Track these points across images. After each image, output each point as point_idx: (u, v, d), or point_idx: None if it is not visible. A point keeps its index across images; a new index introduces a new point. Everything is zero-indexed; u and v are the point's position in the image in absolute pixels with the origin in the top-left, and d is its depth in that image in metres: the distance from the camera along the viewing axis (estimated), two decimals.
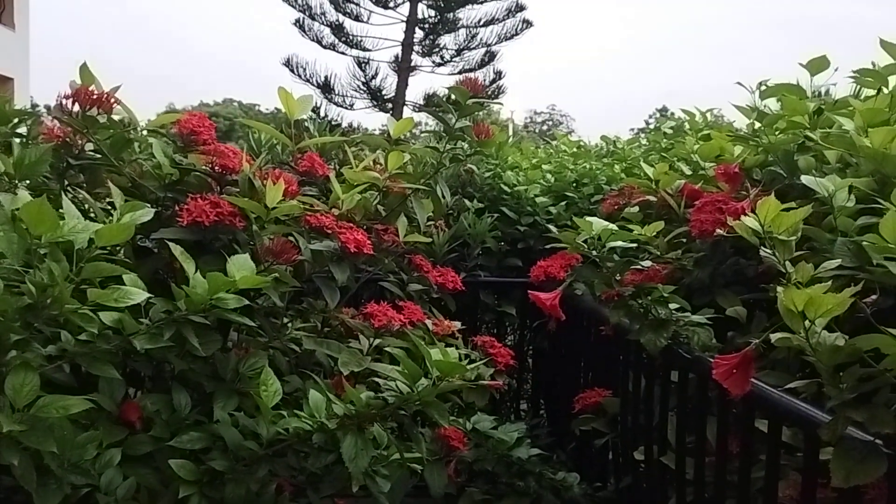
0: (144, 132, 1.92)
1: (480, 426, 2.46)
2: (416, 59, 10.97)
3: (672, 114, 4.00)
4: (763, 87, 1.98)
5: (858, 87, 2.10)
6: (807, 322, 1.02)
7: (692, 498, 1.71)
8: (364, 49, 10.99)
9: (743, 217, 1.22)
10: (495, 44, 10.94)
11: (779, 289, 1.05)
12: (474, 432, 2.42)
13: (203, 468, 1.53)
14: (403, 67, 10.81)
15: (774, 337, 1.08)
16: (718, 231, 1.46)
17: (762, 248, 1.20)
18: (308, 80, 10.66)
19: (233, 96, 46.65)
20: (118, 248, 1.66)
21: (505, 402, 3.24)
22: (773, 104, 2.17)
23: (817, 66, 1.96)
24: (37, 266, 1.21)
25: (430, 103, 10.69)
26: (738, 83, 1.99)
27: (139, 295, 1.33)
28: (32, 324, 1.24)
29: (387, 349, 1.71)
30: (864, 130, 1.59)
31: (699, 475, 1.66)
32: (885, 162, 1.46)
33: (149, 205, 1.54)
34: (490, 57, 11.03)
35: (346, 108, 11.07)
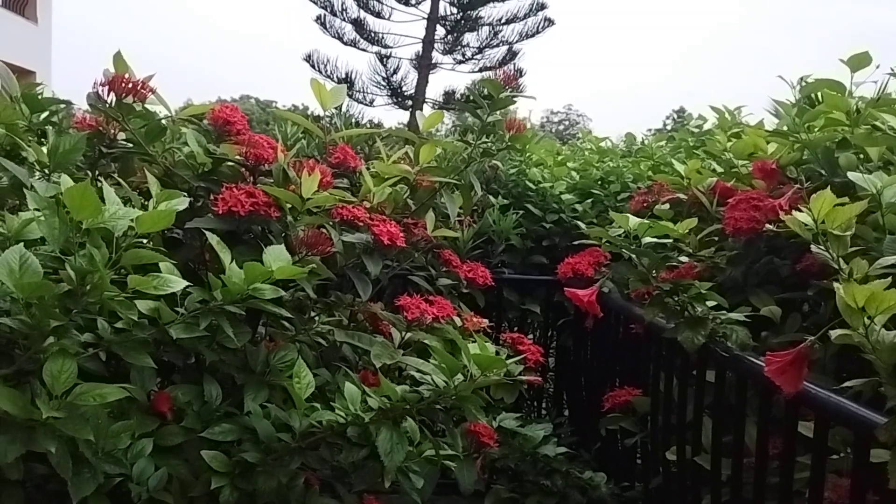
0: (174, 122, 1.91)
1: (506, 424, 2.44)
2: (436, 56, 10.94)
3: (690, 115, 3.95)
4: (804, 83, 1.94)
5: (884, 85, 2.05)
6: (866, 319, 1.00)
7: (727, 499, 1.68)
8: (385, 46, 10.99)
9: (795, 212, 1.19)
10: (516, 42, 10.90)
11: (836, 285, 1.03)
12: (500, 430, 2.40)
13: (234, 460, 1.52)
14: (424, 65, 10.79)
15: (834, 334, 1.05)
16: (768, 226, 1.43)
17: (814, 243, 1.17)
18: (329, 77, 10.68)
19: (250, 93, 46.84)
20: (149, 239, 1.65)
21: (526, 401, 3.22)
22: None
23: (858, 62, 1.92)
24: (76, 252, 1.20)
25: (450, 101, 10.67)
26: (780, 77, 1.96)
27: (178, 283, 1.32)
28: (71, 310, 1.23)
29: (423, 341, 1.69)
30: None
31: (736, 476, 1.62)
32: None
33: (184, 194, 1.53)
34: (511, 55, 11.00)
35: (366, 104, 11.09)
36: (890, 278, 1.03)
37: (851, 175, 1.48)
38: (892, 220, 1.44)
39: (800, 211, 1.18)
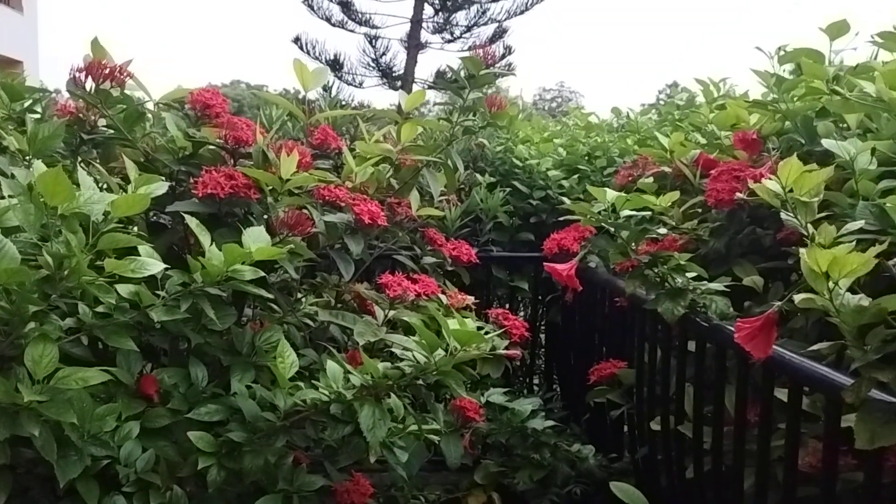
0: (156, 107, 1.91)
1: (494, 399, 2.47)
2: (425, 35, 10.85)
3: (682, 88, 3.95)
4: (782, 53, 1.94)
5: (874, 54, 2.05)
6: (830, 283, 1.01)
7: (710, 467, 1.71)
8: (373, 26, 10.90)
9: (764, 180, 1.20)
10: (505, 19, 10.81)
11: (801, 250, 1.04)
12: (488, 405, 2.43)
13: (221, 440, 1.53)
14: (413, 44, 10.71)
15: (798, 298, 1.07)
16: (739, 195, 1.44)
17: (783, 210, 1.19)
18: (317, 59, 10.58)
19: (240, 78, 46.58)
20: (132, 223, 1.66)
21: (518, 376, 3.25)
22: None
23: (837, 30, 1.91)
24: (53, 238, 1.21)
25: (440, 80, 10.61)
26: (758, 48, 1.96)
27: (156, 266, 1.33)
28: (50, 295, 1.24)
29: (404, 318, 1.70)
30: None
31: (717, 444, 1.65)
32: None
33: (163, 178, 1.54)
34: (500, 33, 10.92)
35: (356, 86, 11.01)
36: (855, 242, 1.05)
37: (826, 142, 1.49)
38: (866, 185, 1.45)
39: (770, 180, 1.20)
